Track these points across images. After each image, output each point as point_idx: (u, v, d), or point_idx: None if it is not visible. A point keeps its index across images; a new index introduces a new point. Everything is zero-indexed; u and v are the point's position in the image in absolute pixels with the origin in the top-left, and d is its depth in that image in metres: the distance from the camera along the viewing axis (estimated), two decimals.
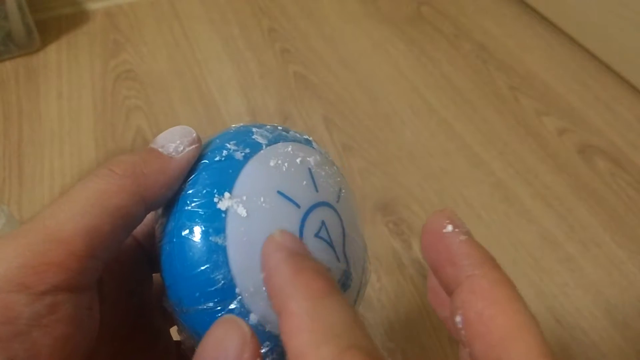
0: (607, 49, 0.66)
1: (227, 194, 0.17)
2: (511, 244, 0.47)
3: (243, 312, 0.17)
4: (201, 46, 0.70)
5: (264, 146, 0.19)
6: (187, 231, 0.17)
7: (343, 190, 0.20)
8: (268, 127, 0.20)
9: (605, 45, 0.66)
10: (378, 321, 0.42)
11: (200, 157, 0.18)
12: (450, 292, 0.15)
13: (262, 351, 0.17)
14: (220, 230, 0.17)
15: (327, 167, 0.20)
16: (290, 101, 0.61)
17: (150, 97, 0.62)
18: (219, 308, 0.16)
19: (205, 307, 0.17)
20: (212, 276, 0.16)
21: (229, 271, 0.16)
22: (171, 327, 0.22)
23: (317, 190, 0.19)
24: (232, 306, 0.16)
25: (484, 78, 0.65)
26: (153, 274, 0.22)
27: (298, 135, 0.21)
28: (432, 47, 0.70)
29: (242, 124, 0.20)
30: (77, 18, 0.74)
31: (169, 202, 0.18)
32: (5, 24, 0.65)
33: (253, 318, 0.17)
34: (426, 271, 0.45)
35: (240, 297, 0.16)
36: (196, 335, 0.17)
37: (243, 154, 0.18)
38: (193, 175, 0.18)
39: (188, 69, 0.66)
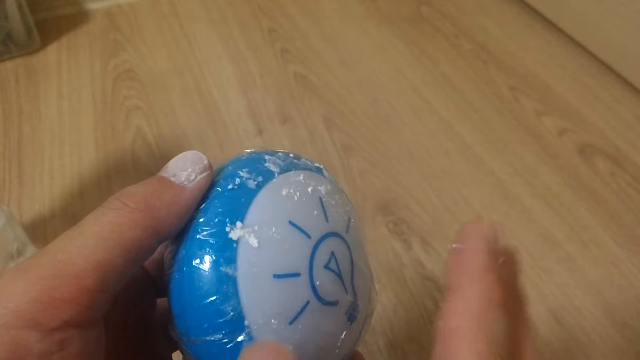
0: (607, 49, 0.66)
1: (239, 224, 0.17)
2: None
3: None
4: (201, 46, 0.70)
5: (276, 174, 0.18)
6: (197, 260, 0.17)
7: (352, 220, 0.20)
8: (280, 154, 0.20)
9: (605, 45, 0.66)
10: (378, 321, 0.42)
11: (212, 184, 0.18)
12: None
13: None
14: (232, 260, 0.16)
15: (337, 196, 0.20)
16: (290, 101, 0.61)
17: (150, 97, 0.62)
18: (226, 340, 0.16)
19: (213, 338, 0.16)
20: (221, 307, 0.16)
21: (239, 303, 0.16)
22: (173, 352, 0.22)
23: (327, 221, 0.19)
24: (240, 338, 0.16)
25: (484, 78, 0.65)
26: (157, 299, 0.21)
27: (309, 163, 0.20)
28: (432, 47, 0.70)
29: (253, 150, 0.20)
30: (77, 18, 0.74)
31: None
32: (5, 24, 0.64)
33: None
34: (426, 271, 0.45)
35: (248, 329, 0.16)
36: None
37: (256, 182, 0.18)
38: (205, 203, 0.18)
39: (188, 69, 0.66)
